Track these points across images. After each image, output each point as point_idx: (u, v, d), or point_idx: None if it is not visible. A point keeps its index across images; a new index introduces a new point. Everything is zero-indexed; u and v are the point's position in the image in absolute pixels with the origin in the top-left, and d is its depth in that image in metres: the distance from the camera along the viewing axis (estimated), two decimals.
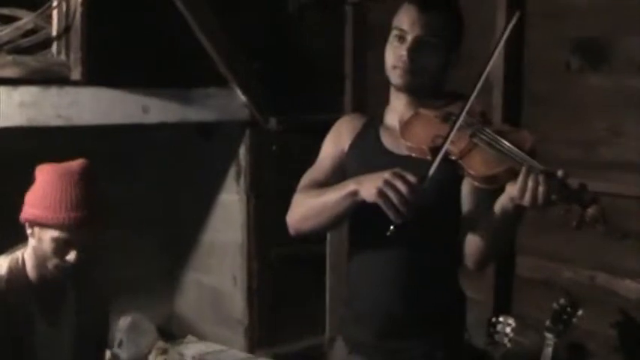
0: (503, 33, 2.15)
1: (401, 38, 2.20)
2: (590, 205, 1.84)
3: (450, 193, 2.20)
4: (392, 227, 2.00)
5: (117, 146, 3.77)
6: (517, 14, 2.15)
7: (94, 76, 3.31)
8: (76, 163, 2.35)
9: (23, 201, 2.34)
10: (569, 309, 2.95)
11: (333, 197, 2.15)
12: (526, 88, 3.42)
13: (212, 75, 3.69)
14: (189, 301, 4.39)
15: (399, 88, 2.25)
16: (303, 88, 3.96)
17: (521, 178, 1.89)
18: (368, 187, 2.03)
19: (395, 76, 2.22)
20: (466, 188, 2.20)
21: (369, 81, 4.13)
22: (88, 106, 3.35)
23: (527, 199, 1.89)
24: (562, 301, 2.96)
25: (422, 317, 2.25)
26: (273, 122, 3.86)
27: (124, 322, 3.98)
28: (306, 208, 2.23)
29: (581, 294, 3.13)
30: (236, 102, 3.77)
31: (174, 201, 4.26)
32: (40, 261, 2.32)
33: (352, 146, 2.32)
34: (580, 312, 2.94)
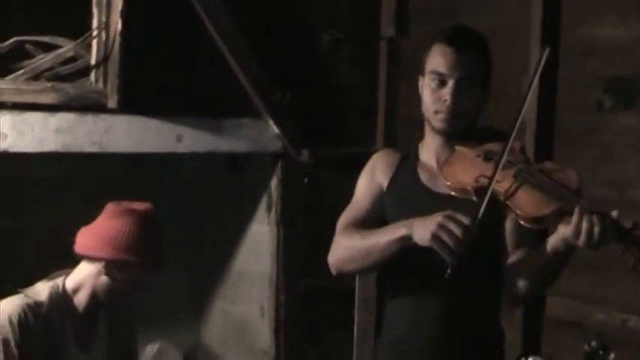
0: (536, 69, 2.16)
1: (441, 82, 2.20)
2: None
3: (494, 231, 2.20)
4: (448, 270, 2.00)
5: (149, 174, 3.80)
6: (547, 49, 2.15)
7: (129, 105, 3.35)
8: (147, 206, 2.44)
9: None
10: (600, 352, 2.90)
11: (383, 241, 2.15)
12: (558, 127, 3.41)
13: (245, 106, 3.72)
14: (215, 330, 4.39)
15: (441, 133, 2.25)
16: (336, 121, 3.98)
17: (575, 219, 1.89)
18: (421, 232, 2.04)
19: (437, 121, 2.23)
20: (509, 226, 2.20)
21: (400, 115, 4.14)
22: (122, 133, 3.39)
23: (582, 240, 1.89)
24: (594, 343, 2.92)
25: (463, 356, 2.24)
26: (305, 155, 3.87)
27: (150, 350, 3.99)
28: (352, 250, 2.23)
29: (612, 337, 3.10)
30: (268, 133, 3.79)
31: (204, 230, 4.27)
32: (99, 294, 2.39)
33: (391, 184, 2.32)
34: (612, 356, 2.90)
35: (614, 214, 1.89)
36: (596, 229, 1.87)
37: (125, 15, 3.28)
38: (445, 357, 2.25)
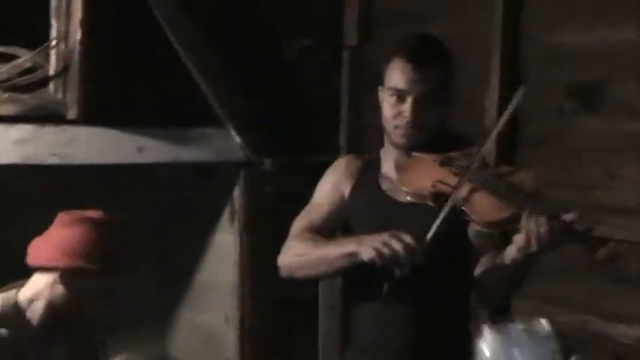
0: (509, 108, 2.15)
1: (399, 97, 2.18)
2: (599, 247, 1.85)
3: (458, 236, 2.19)
4: (386, 285, 2.01)
5: (111, 185, 3.77)
6: (522, 89, 2.14)
7: (90, 115, 3.32)
8: (100, 214, 2.42)
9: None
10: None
11: (333, 253, 2.15)
12: (520, 131, 3.43)
13: (208, 115, 3.70)
14: (181, 340, 4.36)
15: (400, 147, 2.24)
16: (299, 129, 3.98)
17: (523, 225, 1.89)
18: (367, 249, 2.04)
19: (397, 136, 2.22)
20: (472, 230, 2.20)
21: (364, 123, 4.14)
22: (83, 144, 3.36)
23: (533, 245, 1.89)
24: None
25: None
26: (267, 163, 3.86)
27: None
28: (303, 257, 2.23)
29: (575, 339, 3.11)
30: (231, 143, 3.78)
31: (168, 240, 4.24)
32: (55, 305, 2.36)
33: (353, 192, 2.31)
34: (573, 358, 2.92)
35: (570, 216, 1.88)
36: (543, 231, 1.86)
37: (85, 25, 3.26)
38: None
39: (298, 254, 2.24)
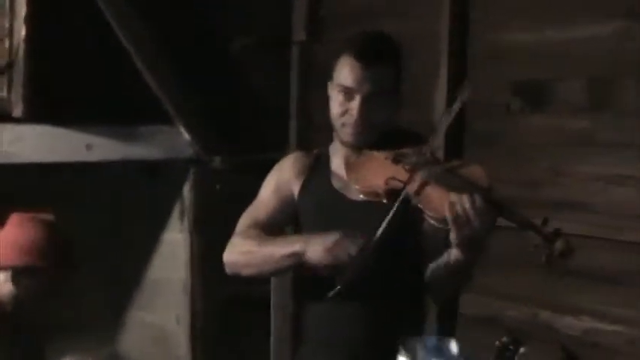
0: (457, 102, 2.15)
1: (347, 95, 2.15)
2: (556, 239, 1.87)
3: (411, 232, 2.18)
4: (336, 289, 2.00)
5: (59, 183, 3.74)
6: (468, 85, 2.17)
7: (36, 113, 3.28)
8: (50, 215, 2.44)
9: None
10: (511, 347, 2.96)
11: (278, 253, 2.13)
12: (468, 129, 3.46)
13: (157, 113, 3.68)
14: (132, 340, 4.33)
15: (348, 145, 2.22)
16: (249, 126, 3.97)
17: (449, 219, 1.90)
18: (315, 249, 2.03)
19: (345, 135, 2.19)
20: (426, 227, 2.20)
21: (314, 120, 4.15)
22: (30, 143, 3.31)
23: (461, 229, 1.89)
24: (504, 339, 2.97)
25: (385, 357, 2.24)
26: (217, 161, 3.85)
27: None
28: (248, 255, 2.20)
29: (524, 331, 3.15)
30: (181, 140, 3.76)
31: (117, 239, 4.21)
32: (4, 304, 2.36)
33: (302, 190, 2.29)
34: (522, 349, 2.96)
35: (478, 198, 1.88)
36: (469, 210, 1.87)
37: (30, 21, 3.22)
38: (367, 358, 2.24)
39: (243, 252, 2.22)
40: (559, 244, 1.85)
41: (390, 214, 2.00)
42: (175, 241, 3.97)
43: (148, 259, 4.16)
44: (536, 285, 3.16)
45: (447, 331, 3.49)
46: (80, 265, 2.47)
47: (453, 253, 2.01)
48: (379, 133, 2.19)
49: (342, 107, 2.17)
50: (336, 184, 2.26)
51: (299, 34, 4.16)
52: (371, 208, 2.06)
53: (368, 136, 2.17)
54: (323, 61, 4.07)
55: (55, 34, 3.37)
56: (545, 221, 1.89)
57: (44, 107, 3.29)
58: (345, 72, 2.15)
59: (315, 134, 4.12)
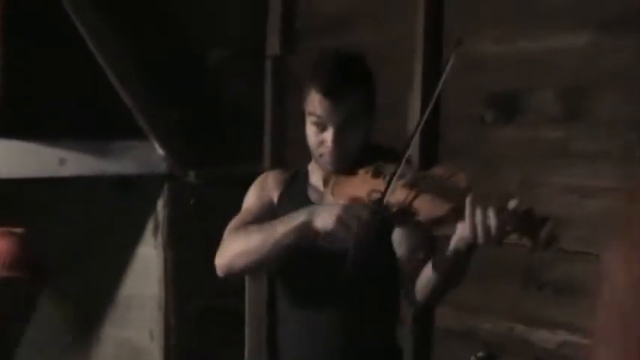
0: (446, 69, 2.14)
1: (319, 125, 2.12)
2: (541, 227, 1.82)
3: (384, 245, 2.18)
4: (349, 264, 1.96)
5: (33, 198, 3.71)
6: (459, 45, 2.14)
7: (9, 128, 3.26)
8: (22, 229, 2.47)
9: None
10: None
11: (280, 230, 2.05)
12: (442, 140, 3.46)
13: (130, 127, 3.66)
14: (105, 356, 4.30)
15: (327, 171, 2.19)
16: (223, 140, 3.95)
17: (468, 214, 1.85)
18: (324, 217, 1.97)
19: (323, 163, 2.17)
20: (397, 236, 2.18)
21: (288, 133, 4.13)
22: (2, 157, 3.29)
23: (480, 236, 1.84)
24: (480, 353, 2.97)
25: None
26: (191, 175, 3.83)
27: None
28: (244, 243, 2.12)
29: (499, 345, 3.14)
30: (154, 155, 3.74)
31: (91, 254, 4.18)
32: None
33: (281, 200, 2.28)
34: None
35: (512, 203, 1.84)
36: (493, 222, 1.82)
37: (2, 36, 3.19)
38: None
39: (239, 240, 2.14)
40: (544, 232, 1.81)
41: (388, 191, 1.98)
42: (149, 256, 3.95)
43: (121, 275, 4.14)
44: (511, 299, 3.16)
45: (422, 345, 3.48)
46: (50, 278, 2.47)
47: (453, 246, 1.98)
48: (357, 154, 2.16)
49: (317, 138, 2.14)
50: (314, 198, 2.24)
51: (273, 47, 4.15)
52: None
53: (346, 160, 2.15)
54: (297, 74, 4.06)
55: (28, 49, 3.35)
56: (530, 211, 1.85)
57: (16, 122, 3.26)
58: (314, 103, 2.11)
59: (290, 147, 4.11)
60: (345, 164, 2.15)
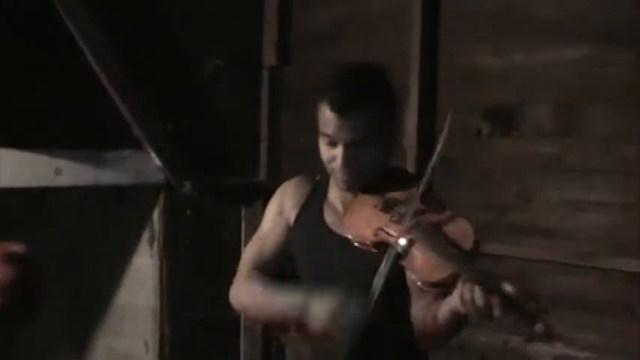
0: (443, 133, 2.03)
1: (331, 142, 2.06)
2: (537, 320, 1.70)
3: (401, 281, 2.06)
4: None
5: (29, 208, 3.71)
6: (451, 113, 2.06)
7: (3, 138, 3.25)
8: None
9: None
10: None
11: (278, 306, 2.08)
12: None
13: (126, 137, 3.65)
14: None
15: (343, 190, 2.14)
16: (219, 151, 3.95)
17: (458, 291, 1.77)
18: (315, 315, 1.98)
19: (337, 180, 2.12)
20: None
21: (284, 144, 4.14)
22: None
23: (471, 314, 1.76)
24: None
25: None
26: (187, 186, 3.82)
27: None
28: (253, 301, 2.17)
29: (496, 358, 3.15)
30: (150, 165, 3.73)
31: (86, 264, 4.18)
32: None
33: (297, 220, 2.24)
34: None
35: (509, 288, 1.72)
36: (480, 303, 1.73)
37: None
38: None
39: (249, 295, 2.18)
40: (539, 326, 1.68)
41: (383, 273, 1.92)
42: (144, 267, 3.94)
43: (116, 285, 4.12)
44: None
45: (418, 358, 3.47)
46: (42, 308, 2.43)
47: (446, 312, 1.89)
48: (373, 176, 2.10)
49: (329, 153, 2.07)
50: (328, 218, 2.19)
51: (269, 58, 4.16)
52: (359, 250, 2.01)
53: (358, 181, 2.09)
54: (293, 85, 4.07)
55: (24, 58, 3.34)
56: (529, 297, 1.71)
57: (11, 132, 3.26)
58: (324, 120, 2.04)
59: (286, 158, 4.11)
60: (359, 183, 2.09)
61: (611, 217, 2.96)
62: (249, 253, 2.27)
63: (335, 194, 2.20)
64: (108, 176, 3.61)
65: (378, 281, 1.92)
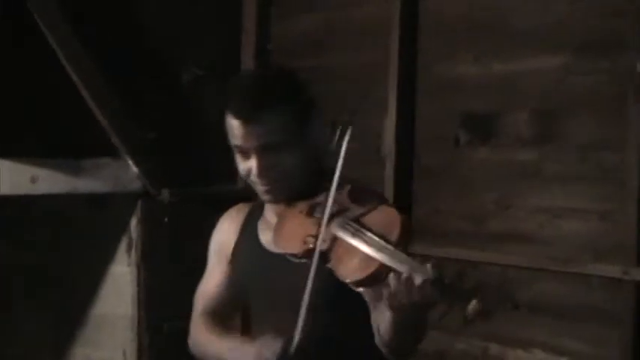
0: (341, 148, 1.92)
1: (242, 153, 1.99)
2: (469, 300, 1.65)
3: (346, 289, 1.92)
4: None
5: (3, 216, 3.67)
6: (349, 129, 1.92)
7: None
8: None
9: None
10: None
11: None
12: (417, 161, 3.47)
13: (104, 145, 3.63)
14: None
15: (268, 202, 2.08)
16: (196, 159, 3.93)
17: (391, 284, 1.68)
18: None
19: (259, 193, 2.04)
20: None
21: None
22: None
23: (406, 307, 1.69)
24: None
25: None
26: (165, 194, 3.81)
27: None
28: (204, 350, 2.17)
29: None
30: (128, 173, 3.71)
31: (62, 273, 4.14)
32: None
33: (235, 251, 2.19)
34: None
35: (435, 271, 1.64)
36: (415, 292, 1.64)
37: None
38: None
39: (206, 345, 2.17)
40: (471, 307, 1.63)
41: (309, 283, 1.83)
42: (122, 275, 3.91)
43: (94, 294, 4.09)
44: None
45: None
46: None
47: (387, 314, 1.81)
48: (299, 181, 2.00)
49: (244, 166, 2.00)
50: (263, 236, 2.12)
51: (248, 66, 4.15)
52: (297, 264, 1.92)
53: (279, 189, 2.00)
54: None
55: (0, 66, 3.33)
56: (457, 283, 1.67)
57: None
58: (231, 130, 1.99)
59: None
60: (281, 192, 2.01)
61: (590, 224, 2.97)
62: (201, 297, 2.24)
63: (270, 210, 2.12)
64: (85, 184, 3.59)
65: (305, 292, 1.84)
